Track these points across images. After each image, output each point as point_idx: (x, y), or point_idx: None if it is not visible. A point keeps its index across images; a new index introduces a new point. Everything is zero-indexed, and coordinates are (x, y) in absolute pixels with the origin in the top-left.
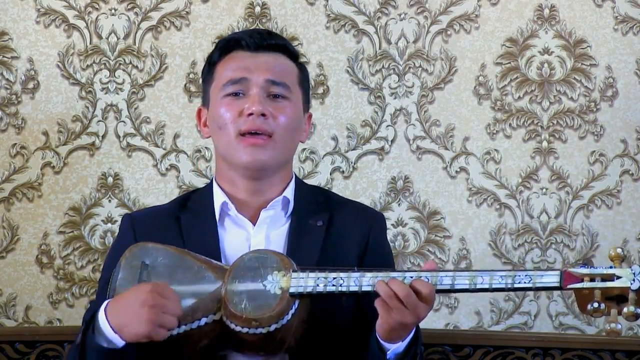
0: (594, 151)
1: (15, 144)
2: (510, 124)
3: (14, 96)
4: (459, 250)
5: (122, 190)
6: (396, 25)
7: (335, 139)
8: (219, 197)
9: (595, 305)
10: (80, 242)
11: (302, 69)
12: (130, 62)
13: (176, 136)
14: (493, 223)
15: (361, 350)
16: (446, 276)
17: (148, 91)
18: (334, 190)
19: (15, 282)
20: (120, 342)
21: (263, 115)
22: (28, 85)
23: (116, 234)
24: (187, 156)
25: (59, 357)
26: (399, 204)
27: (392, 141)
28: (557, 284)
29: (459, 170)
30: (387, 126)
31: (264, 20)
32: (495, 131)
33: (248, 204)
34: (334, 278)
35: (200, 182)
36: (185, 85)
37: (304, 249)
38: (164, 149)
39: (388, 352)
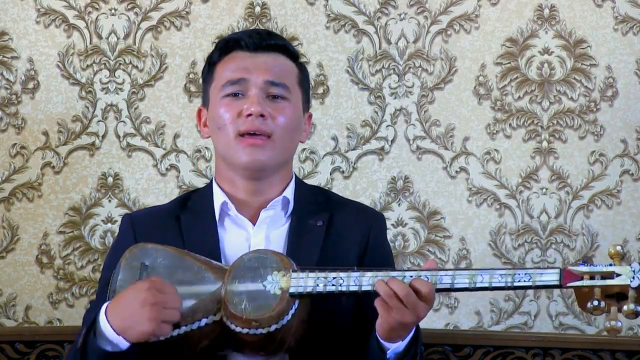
0: (594, 151)
1: (15, 144)
2: (510, 124)
3: (14, 96)
4: (459, 250)
5: (122, 190)
6: (396, 25)
7: (335, 139)
8: (218, 197)
9: (595, 303)
10: (80, 242)
11: (302, 69)
12: (130, 62)
13: (176, 136)
14: (493, 223)
15: (361, 350)
16: (446, 275)
17: (148, 91)
18: (334, 190)
19: (15, 282)
20: (124, 344)
21: (262, 116)
22: (28, 85)
23: (116, 234)
24: (187, 156)
25: (59, 357)
26: (399, 204)
27: (392, 141)
28: (556, 282)
29: (459, 170)
30: (387, 126)
31: (264, 20)
32: (495, 131)
33: (248, 204)
34: (334, 278)
35: (200, 182)
36: (185, 85)
37: (304, 249)
38: (164, 149)
39: (388, 352)
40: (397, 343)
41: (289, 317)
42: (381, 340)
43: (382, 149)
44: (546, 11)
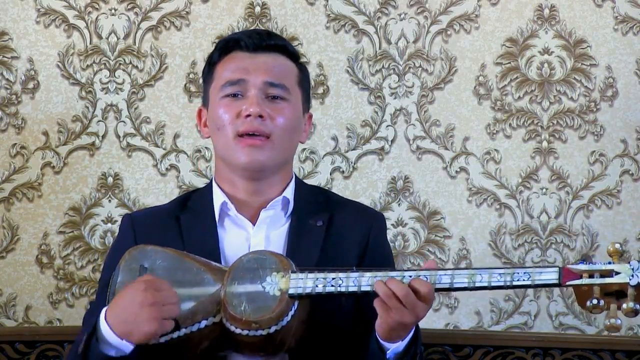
0: (594, 151)
1: (15, 144)
2: (510, 124)
3: (14, 96)
4: (459, 250)
5: (122, 190)
6: (396, 25)
7: (335, 139)
8: (218, 198)
9: (595, 302)
10: (80, 242)
11: (302, 69)
12: (130, 62)
13: (176, 136)
14: (493, 223)
15: (361, 350)
16: (445, 275)
17: (148, 91)
18: (334, 190)
19: (15, 282)
20: (128, 348)
21: (261, 116)
22: (28, 85)
23: (116, 234)
24: (187, 156)
25: (59, 357)
26: (399, 204)
27: (392, 141)
28: (556, 281)
29: (459, 170)
30: (387, 126)
31: (264, 20)
32: (495, 131)
33: (248, 204)
34: (333, 278)
35: (200, 182)
36: (185, 85)
37: (304, 249)
38: (164, 149)
39: (388, 352)
40: (396, 343)
41: (288, 318)
42: (381, 341)
43: (382, 149)
44: (546, 11)
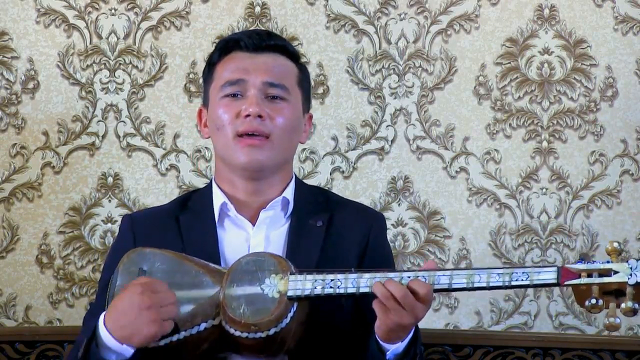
0: (594, 151)
1: (15, 144)
2: (510, 124)
3: (14, 96)
4: (459, 250)
5: (122, 190)
6: (396, 25)
7: (335, 139)
8: (218, 198)
9: (593, 301)
10: (80, 242)
11: (302, 69)
12: (130, 62)
13: (176, 136)
14: (493, 223)
15: (360, 351)
16: (443, 275)
17: (148, 91)
18: (334, 190)
19: (15, 282)
20: (128, 352)
21: (260, 116)
22: (28, 85)
23: (116, 234)
24: (187, 156)
25: (59, 357)
26: (399, 204)
27: (392, 141)
28: (554, 281)
29: (459, 170)
30: (387, 126)
31: (264, 20)
32: (495, 131)
33: (247, 205)
34: (332, 280)
35: (200, 182)
36: (185, 85)
37: (304, 249)
38: (164, 149)
39: (387, 353)
40: (396, 344)
41: (287, 320)
42: (380, 342)
43: (382, 149)
44: (546, 11)
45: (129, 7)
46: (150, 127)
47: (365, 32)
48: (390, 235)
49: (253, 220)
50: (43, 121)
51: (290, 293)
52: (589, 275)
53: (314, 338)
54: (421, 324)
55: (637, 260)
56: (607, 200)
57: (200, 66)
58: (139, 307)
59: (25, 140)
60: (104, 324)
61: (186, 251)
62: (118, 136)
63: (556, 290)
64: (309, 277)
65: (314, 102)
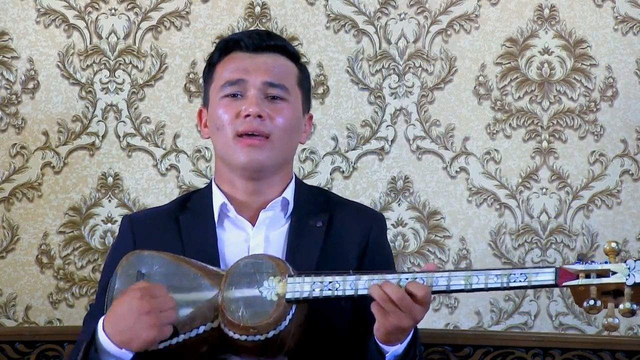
0: (594, 151)
1: (15, 144)
2: (510, 124)
3: (14, 96)
4: (459, 250)
5: (122, 190)
6: (396, 25)
7: (335, 139)
8: (218, 198)
9: (592, 302)
10: (80, 242)
11: (303, 69)
12: (130, 62)
13: (176, 136)
14: (493, 223)
15: (360, 353)
16: (441, 277)
17: (148, 91)
18: (334, 190)
19: (15, 282)
20: (127, 356)
21: (260, 116)
22: (28, 85)
23: (116, 234)
24: (187, 156)
25: (59, 357)
26: (399, 204)
27: (392, 141)
28: (552, 282)
29: (459, 170)
30: (387, 126)
31: (264, 20)
32: (495, 131)
33: (247, 205)
34: (330, 282)
35: (200, 182)
36: (185, 85)
37: (304, 249)
38: (164, 149)
39: (387, 355)
40: (395, 346)
41: (286, 322)
42: (380, 344)
43: (382, 149)
44: (546, 11)
45: (129, 7)
46: (150, 127)
47: (365, 32)
48: (390, 235)
49: (253, 221)
50: (43, 121)
51: (288, 295)
52: (587, 276)
53: (314, 339)
54: (421, 324)
55: (635, 260)
56: (607, 200)
57: (200, 66)
58: (138, 312)
59: (25, 140)
60: (103, 328)
61: (186, 252)
62: (118, 136)
63: (556, 290)
64: (307, 279)
65: (314, 102)
